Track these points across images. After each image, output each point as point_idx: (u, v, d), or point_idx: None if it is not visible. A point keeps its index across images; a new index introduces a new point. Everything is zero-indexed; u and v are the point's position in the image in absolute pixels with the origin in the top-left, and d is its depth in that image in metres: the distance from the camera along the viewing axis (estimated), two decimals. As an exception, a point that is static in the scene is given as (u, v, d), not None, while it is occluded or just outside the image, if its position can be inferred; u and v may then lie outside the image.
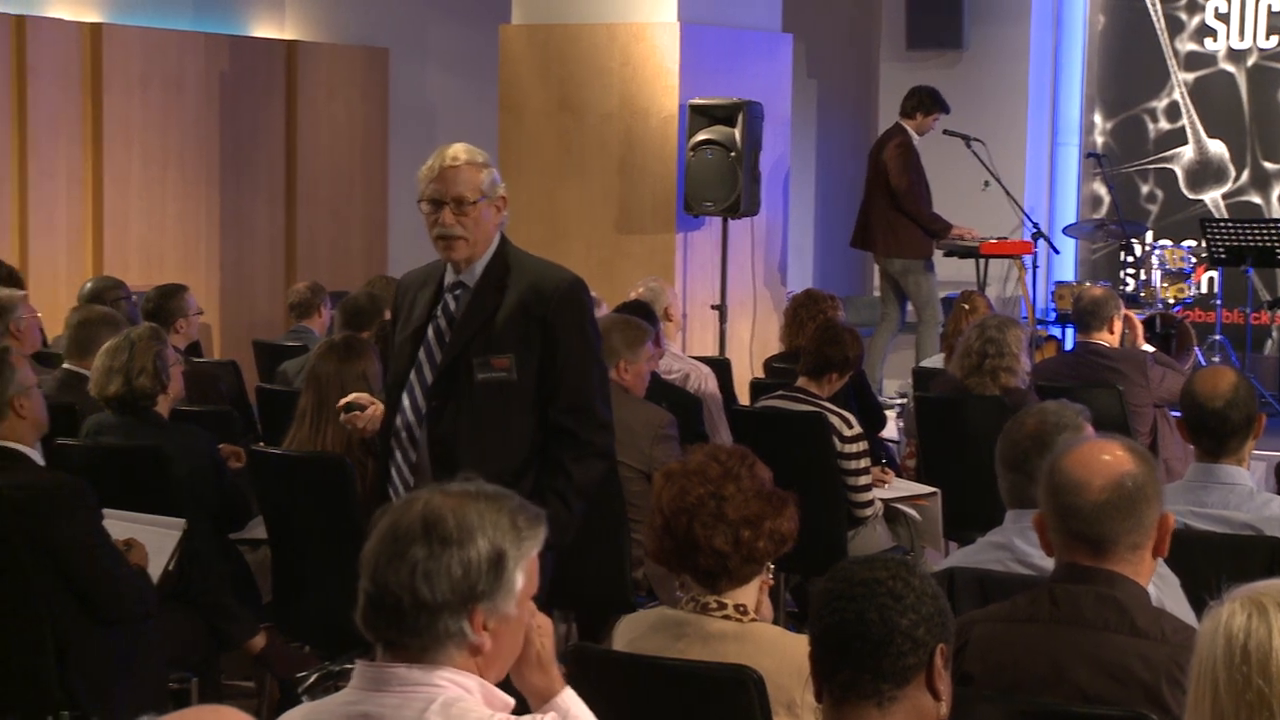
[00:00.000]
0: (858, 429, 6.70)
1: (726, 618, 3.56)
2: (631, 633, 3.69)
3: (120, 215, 11.65)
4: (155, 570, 5.16)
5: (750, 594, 3.62)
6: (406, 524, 2.61)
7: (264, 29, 12.79)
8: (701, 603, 3.59)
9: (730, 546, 3.57)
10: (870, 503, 6.74)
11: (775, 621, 3.75)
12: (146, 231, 11.79)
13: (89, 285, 8.43)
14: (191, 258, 12.01)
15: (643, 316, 6.96)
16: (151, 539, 5.25)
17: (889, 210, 11.22)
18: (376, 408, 4.91)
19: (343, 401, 5.05)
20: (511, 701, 2.67)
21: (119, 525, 5.15)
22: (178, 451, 5.70)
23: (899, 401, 9.00)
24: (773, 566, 3.67)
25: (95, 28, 11.48)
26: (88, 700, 4.84)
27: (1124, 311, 8.17)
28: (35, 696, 4.87)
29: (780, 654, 3.49)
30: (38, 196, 11.24)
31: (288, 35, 12.84)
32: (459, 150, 4.58)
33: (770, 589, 3.70)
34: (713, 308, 10.51)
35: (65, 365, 6.79)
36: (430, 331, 4.63)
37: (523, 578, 2.65)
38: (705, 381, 7.77)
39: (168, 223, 11.92)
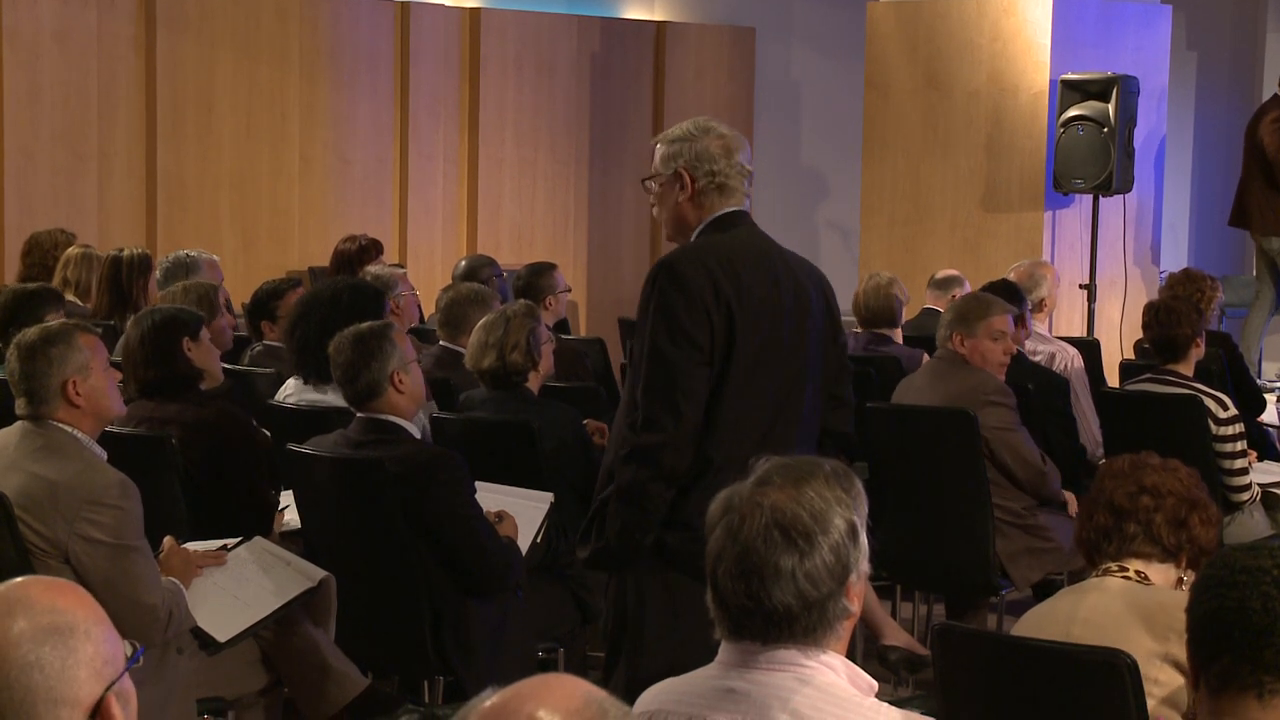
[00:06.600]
0: (1233, 410, 6.52)
1: (1126, 578, 3.54)
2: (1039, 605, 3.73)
3: (493, 196, 11.96)
4: (524, 542, 5.26)
5: (1157, 575, 3.54)
6: (759, 536, 2.56)
7: (634, 10, 12.96)
8: (1103, 568, 3.59)
9: (1128, 503, 3.54)
10: (1247, 486, 6.57)
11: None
12: (517, 212, 12.08)
13: (463, 263, 8.72)
14: (560, 237, 12.26)
15: (1007, 297, 6.84)
16: (521, 511, 5.34)
17: (1266, 186, 10.83)
18: None
19: None
20: (875, 684, 2.65)
21: (490, 497, 5.27)
22: (546, 426, 5.81)
23: (1279, 385, 8.70)
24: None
25: (474, 12, 11.80)
26: (461, 667, 4.99)
27: None
28: (413, 661, 5.05)
29: (1172, 592, 3.47)
30: (417, 178, 11.62)
31: (657, 16, 12.98)
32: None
33: None
34: (1081, 287, 10.28)
35: (441, 343, 7.01)
36: None
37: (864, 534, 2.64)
38: (1072, 362, 7.61)
39: (538, 203, 12.19)
